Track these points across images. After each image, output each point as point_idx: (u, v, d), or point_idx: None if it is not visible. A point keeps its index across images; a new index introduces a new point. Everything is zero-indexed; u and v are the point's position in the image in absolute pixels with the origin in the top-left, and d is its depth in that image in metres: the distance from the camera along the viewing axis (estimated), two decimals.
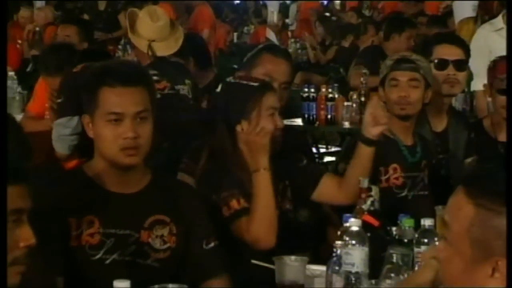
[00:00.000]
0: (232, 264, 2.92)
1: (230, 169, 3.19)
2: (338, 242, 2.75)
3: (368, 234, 2.92)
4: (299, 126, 6.00)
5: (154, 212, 2.77)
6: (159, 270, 2.74)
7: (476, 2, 6.11)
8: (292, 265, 2.74)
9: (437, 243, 2.88)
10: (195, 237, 2.82)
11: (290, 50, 10.47)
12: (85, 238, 2.69)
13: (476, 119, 4.57)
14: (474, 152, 4.01)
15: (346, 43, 10.09)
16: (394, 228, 3.10)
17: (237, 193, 3.13)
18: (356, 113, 6.03)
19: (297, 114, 6.03)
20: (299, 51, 11.33)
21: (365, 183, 3.12)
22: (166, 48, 4.54)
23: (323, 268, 2.81)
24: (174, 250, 2.78)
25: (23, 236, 1.97)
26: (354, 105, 6.10)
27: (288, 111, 3.77)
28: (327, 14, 14.30)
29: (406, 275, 2.77)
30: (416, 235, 2.94)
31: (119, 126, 2.70)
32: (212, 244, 2.83)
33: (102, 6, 11.23)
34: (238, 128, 3.20)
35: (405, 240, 2.99)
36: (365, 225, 2.93)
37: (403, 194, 3.70)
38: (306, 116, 6.15)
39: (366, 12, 12.97)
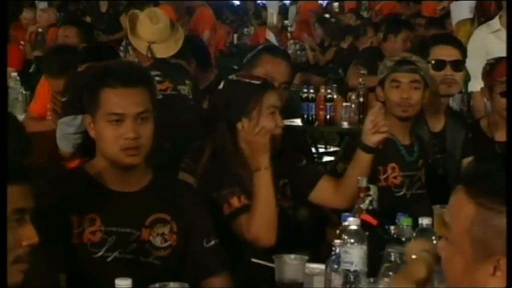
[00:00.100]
0: (232, 262, 2.94)
1: (230, 167, 3.21)
2: (337, 241, 2.76)
3: (367, 233, 2.92)
4: (298, 126, 6.01)
5: (155, 211, 2.79)
6: (160, 268, 2.76)
7: (473, 4, 6.11)
8: (291, 264, 2.75)
9: (435, 241, 2.92)
10: (195, 235, 2.84)
11: (290, 51, 10.49)
12: (87, 236, 2.71)
13: (473, 120, 4.59)
14: (471, 152, 4.04)
15: (344, 44, 10.11)
16: (392, 227, 3.10)
17: (238, 190, 3.15)
18: (354, 114, 6.06)
19: (296, 114, 6.05)
20: (298, 52, 11.35)
21: (363, 183, 3.14)
22: (165, 50, 4.55)
23: (322, 266, 2.82)
24: (175, 248, 2.80)
25: (26, 235, 2.00)
26: (353, 105, 6.12)
27: (287, 112, 3.79)
28: (327, 15, 14.33)
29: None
30: (414, 234, 2.95)
31: (120, 126, 2.72)
32: (212, 242, 2.85)
33: (104, 8, 11.25)
34: (239, 126, 3.23)
35: (403, 239, 2.99)
36: (363, 224, 2.94)
37: (402, 193, 3.73)
38: (305, 116, 6.17)
39: (365, 14, 12.98)
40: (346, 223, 2.82)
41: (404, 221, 3.06)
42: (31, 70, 8.39)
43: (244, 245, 3.17)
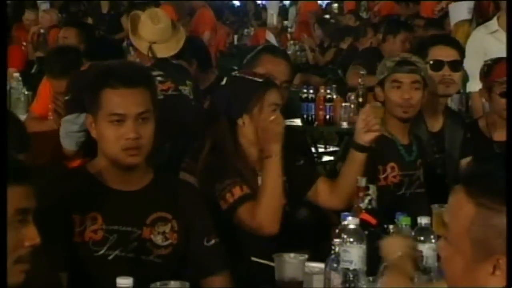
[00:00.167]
0: (233, 261, 2.95)
1: (230, 161, 3.22)
2: (337, 240, 2.77)
3: (366, 232, 2.96)
4: (298, 126, 6.03)
5: (156, 209, 2.80)
6: (161, 266, 2.77)
7: (472, 5, 6.13)
8: (291, 263, 2.76)
9: (433, 240, 2.94)
10: (196, 234, 2.85)
11: (289, 52, 10.50)
12: (89, 234, 2.73)
13: (471, 120, 4.61)
14: (469, 152, 4.05)
15: (344, 45, 10.11)
16: (391, 226, 3.12)
17: (239, 181, 3.17)
18: (354, 114, 6.06)
19: (296, 114, 6.06)
20: (298, 53, 11.36)
21: (362, 182, 3.16)
22: (166, 50, 4.56)
23: (321, 265, 2.83)
24: (176, 247, 2.81)
25: (28, 236, 2.01)
26: (352, 105, 6.13)
27: (287, 112, 3.80)
28: (327, 16, 14.33)
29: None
30: (413, 233, 2.96)
31: (121, 126, 2.73)
32: (212, 241, 2.87)
33: (105, 9, 11.28)
34: (240, 121, 3.25)
35: None
36: (363, 223, 2.97)
37: (401, 192, 3.75)
38: (305, 116, 6.18)
39: (364, 15, 12.98)
40: (345, 222, 2.84)
41: (403, 220, 3.07)
42: (33, 70, 8.40)
43: (244, 244, 3.19)
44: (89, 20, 10.09)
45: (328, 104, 6.21)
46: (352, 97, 6.17)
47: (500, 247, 1.69)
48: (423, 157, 3.85)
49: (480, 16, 5.86)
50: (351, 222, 2.82)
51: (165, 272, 2.70)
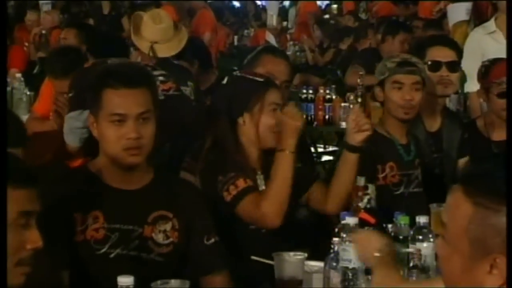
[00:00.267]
0: (232, 260, 2.96)
1: (232, 157, 3.24)
2: (336, 239, 2.80)
3: None
4: None
5: (157, 208, 2.82)
6: (162, 265, 2.79)
7: (470, 6, 6.13)
8: (291, 261, 2.78)
9: (431, 239, 2.96)
10: (196, 233, 2.87)
11: (289, 53, 10.51)
12: (90, 233, 2.74)
13: (469, 119, 4.62)
14: (467, 152, 4.07)
15: (343, 46, 10.11)
16: (390, 225, 3.15)
17: (242, 174, 3.18)
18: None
19: None
20: (298, 53, 11.37)
21: (361, 181, 3.18)
22: (167, 50, 4.56)
23: (321, 264, 2.85)
24: (177, 245, 2.83)
25: (31, 239, 2.01)
26: (351, 105, 6.16)
27: None
28: (327, 16, 14.34)
29: (401, 272, 2.83)
30: (411, 232, 2.99)
31: (122, 126, 2.75)
32: (212, 240, 2.88)
33: (106, 9, 11.29)
34: (240, 120, 3.28)
35: (401, 237, 3.03)
36: (361, 223, 2.99)
37: (399, 191, 3.76)
38: (304, 116, 6.20)
39: (363, 16, 12.99)
40: (344, 222, 2.87)
41: (402, 220, 3.09)
42: (35, 71, 8.43)
43: (244, 243, 3.20)
44: (91, 21, 10.09)
45: (327, 104, 6.23)
46: (351, 97, 6.19)
47: (498, 247, 1.69)
48: (421, 156, 3.87)
49: (478, 17, 5.87)
50: (350, 221, 2.84)
51: (166, 271, 2.72)
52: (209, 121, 3.36)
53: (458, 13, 6.46)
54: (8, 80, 6.75)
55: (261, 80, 3.34)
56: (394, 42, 6.88)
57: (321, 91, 6.30)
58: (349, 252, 2.71)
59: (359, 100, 6.06)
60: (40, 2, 10.76)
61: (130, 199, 2.81)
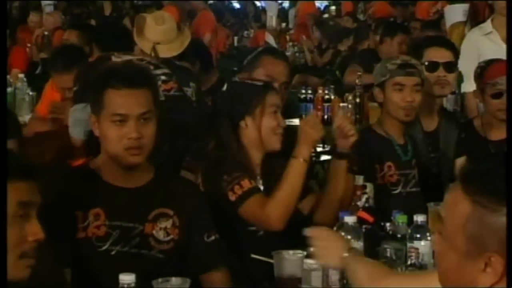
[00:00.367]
0: (232, 258, 2.99)
1: (237, 158, 3.26)
2: None
3: (363, 230, 3.02)
4: (297, 126, 6.06)
5: (158, 205, 2.84)
6: (163, 262, 2.81)
7: (467, 8, 6.15)
8: (290, 260, 2.79)
9: (429, 238, 2.98)
10: (196, 230, 2.89)
11: (288, 53, 10.51)
12: (92, 230, 2.77)
13: (466, 119, 4.64)
14: (464, 151, 4.08)
15: (342, 47, 10.11)
16: (388, 224, 3.18)
17: (247, 175, 3.20)
18: (351, 114, 6.10)
19: (295, 114, 6.09)
20: (297, 54, 11.37)
21: (360, 180, 3.21)
22: (169, 50, 4.58)
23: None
24: (177, 242, 2.85)
25: (32, 231, 2.02)
26: (350, 106, 6.18)
27: (286, 112, 3.84)
28: (326, 15, 14.35)
29: (399, 269, 2.87)
30: (409, 231, 3.01)
31: (123, 126, 2.77)
32: (213, 237, 2.91)
33: (107, 11, 11.31)
34: (242, 124, 3.31)
35: (399, 236, 3.07)
36: (360, 221, 3.03)
37: (397, 191, 3.78)
38: (303, 116, 6.22)
39: (361, 17, 13.00)
40: (343, 220, 2.90)
41: (400, 218, 3.12)
42: (37, 71, 8.46)
43: (244, 242, 3.22)
44: (92, 22, 10.13)
45: (326, 105, 6.25)
46: (350, 98, 6.22)
47: (493, 246, 1.70)
48: (419, 156, 3.89)
49: (474, 18, 5.88)
50: (348, 219, 2.87)
51: (166, 268, 2.74)
52: (211, 125, 3.40)
53: (455, 14, 6.47)
54: (11, 80, 6.79)
55: (261, 84, 3.40)
56: (392, 43, 6.89)
57: (320, 91, 6.32)
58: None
59: (357, 100, 6.09)
60: (43, 3, 10.79)
61: (131, 197, 2.83)
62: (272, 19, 14.40)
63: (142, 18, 4.72)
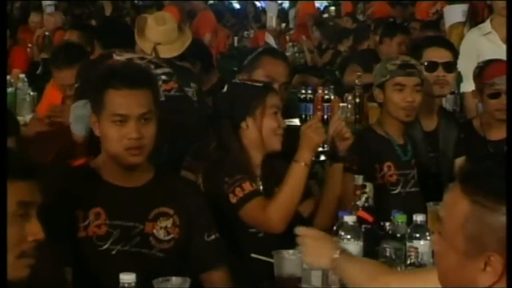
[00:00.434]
0: (232, 257, 3.00)
1: (238, 159, 3.27)
2: (334, 237, 2.82)
3: (363, 229, 3.03)
4: (296, 126, 6.07)
5: (158, 205, 2.85)
6: (163, 261, 2.82)
7: (466, 8, 6.16)
8: (290, 259, 2.80)
9: (428, 238, 2.99)
10: (196, 230, 2.90)
11: (288, 54, 10.53)
12: (92, 229, 2.78)
13: (465, 119, 4.65)
14: (463, 151, 4.09)
15: (342, 47, 10.12)
16: (387, 224, 3.19)
17: (249, 177, 3.22)
18: (351, 114, 6.11)
19: (294, 114, 6.11)
20: (297, 54, 11.39)
21: (359, 180, 3.22)
22: (169, 51, 4.59)
23: None
24: (178, 241, 2.86)
25: (32, 231, 2.02)
26: (349, 106, 6.19)
27: (286, 112, 3.85)
28: (326, 16, 14.35)
29: (399, 268, 2.88)
30: (408, 230, 3.02)
31: (124, 127, 2.78)
32: (213, 237, 2.92)
33: (108, 11, 11.32)
34: (243, 125, 3.32)
35: (398, 235, 3.08)
36: (359, 221, 3.03)
37: (397, 191, 3.78)
38: (303, 116, 6.22)
39: (360, 17, 13.01)
40: (342, 220, 2.91)
41: (399, 218, 3.13)
42: (38, 71, 8.48)
43: (244, 241, 3.23)
44: (93, 22, 10.14)
45: (326, 105, 6.25)
46: (349, 98, 6.22)
47: (493, 245, 1.71)
48: (418, 156, 3.89)
49: (473, 19, 5.89)
50: (348, 219, 2.88)
51: (167, 267, 2.75)
52: (212, 126, 3.41)
53: (454, 14, 6.48)
54: (12, 80, 6.80)
55: (261, 85, 3.41)
56: (392, 44, 6.90)
57: (320, 91, 6.32)
58: (347, 249, 2.73)
59: (357, 100, 6.10)
60: (43, 3, 10.80)
61: (131, 196, 2.84)
62: (272, 20, 14.42)
63: (143, 18, 4.73)
